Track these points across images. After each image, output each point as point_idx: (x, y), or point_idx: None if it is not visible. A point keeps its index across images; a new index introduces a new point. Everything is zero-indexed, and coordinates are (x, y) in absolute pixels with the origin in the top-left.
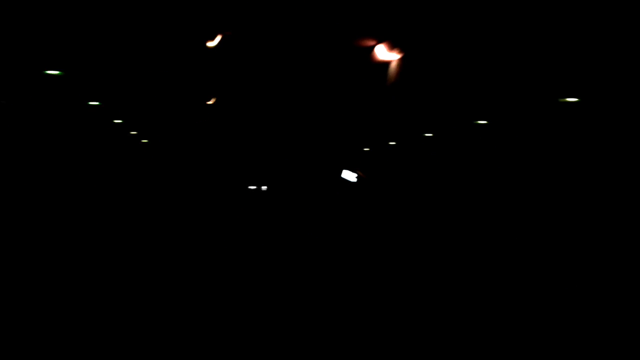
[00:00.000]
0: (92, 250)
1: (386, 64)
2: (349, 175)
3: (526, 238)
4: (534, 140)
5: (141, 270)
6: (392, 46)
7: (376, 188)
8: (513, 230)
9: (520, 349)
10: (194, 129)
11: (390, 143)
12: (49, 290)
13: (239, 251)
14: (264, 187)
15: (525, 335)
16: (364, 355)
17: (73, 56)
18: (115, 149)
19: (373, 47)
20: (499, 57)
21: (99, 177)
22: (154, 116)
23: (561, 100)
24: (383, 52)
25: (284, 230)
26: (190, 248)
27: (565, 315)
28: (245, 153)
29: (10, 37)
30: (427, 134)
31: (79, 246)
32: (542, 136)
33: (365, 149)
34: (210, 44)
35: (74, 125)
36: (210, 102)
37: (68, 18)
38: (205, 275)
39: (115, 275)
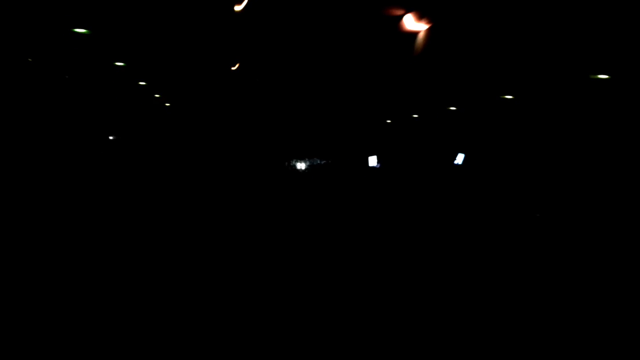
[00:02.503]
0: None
1: (414, 34)
2: (373, 161)
3: (554, 224)
4: (562, 118)
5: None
6: (421, 16)
7: (396, 167)
8: (537, 214)
9: (522, 349)
10: (218, 94)
11: (414, 116)
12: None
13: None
14: (300, 165)
15: (528, 335)
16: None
17: (101, 15)
18: (138, 110)
19: (401, 16)
20: (530, 31)
21: (119, 136)
22: (178, 80)
23: (592, 77)
24: (411, 22)
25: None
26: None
27: (570, 315)
28: (268, 123)
29: None
30: (451, 108)
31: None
32: (570, 114)
33: (387, 121)
34: (238, 7)
35: (100, 84)
36: (234, 68)
37: None
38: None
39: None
